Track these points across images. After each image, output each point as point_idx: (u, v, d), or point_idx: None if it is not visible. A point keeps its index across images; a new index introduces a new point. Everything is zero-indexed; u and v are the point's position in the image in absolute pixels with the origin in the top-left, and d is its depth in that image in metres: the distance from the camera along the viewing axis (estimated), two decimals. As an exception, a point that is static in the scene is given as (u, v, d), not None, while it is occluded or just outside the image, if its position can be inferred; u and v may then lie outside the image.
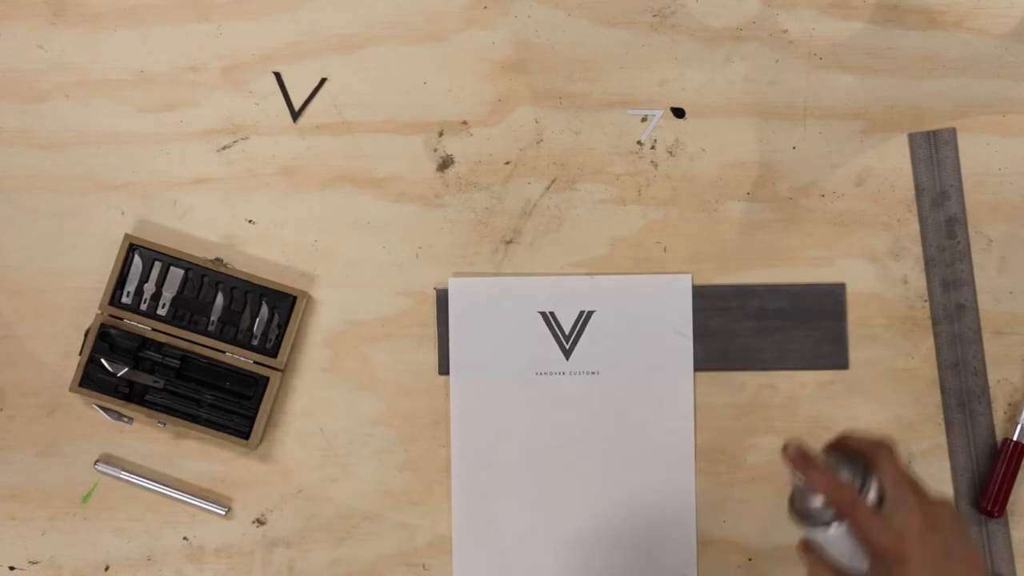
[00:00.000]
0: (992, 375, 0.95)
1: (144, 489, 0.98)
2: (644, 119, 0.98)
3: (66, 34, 1.00)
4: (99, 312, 0.96)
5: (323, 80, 0.99)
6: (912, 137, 0.97)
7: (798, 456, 0.71)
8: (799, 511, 0.73)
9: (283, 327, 0.96)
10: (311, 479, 0.98)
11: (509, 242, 0.98)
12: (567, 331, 0.97)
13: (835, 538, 0.71)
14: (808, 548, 0.74)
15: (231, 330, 0.97)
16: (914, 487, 0.71)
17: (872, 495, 0.70)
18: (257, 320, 0.96)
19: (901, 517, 0.69)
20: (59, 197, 0.99)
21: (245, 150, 0.99)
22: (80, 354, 0.96)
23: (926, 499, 0.71)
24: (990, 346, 0.95)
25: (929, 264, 0.96)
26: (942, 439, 0.95)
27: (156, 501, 0.98)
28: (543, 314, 0.97)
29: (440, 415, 0.97)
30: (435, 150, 0.98)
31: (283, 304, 0.96)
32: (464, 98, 0.98)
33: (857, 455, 0.72)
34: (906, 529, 0.69)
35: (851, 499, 0.70)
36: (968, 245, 0.96)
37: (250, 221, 0.99)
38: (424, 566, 0.96)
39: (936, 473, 0.95)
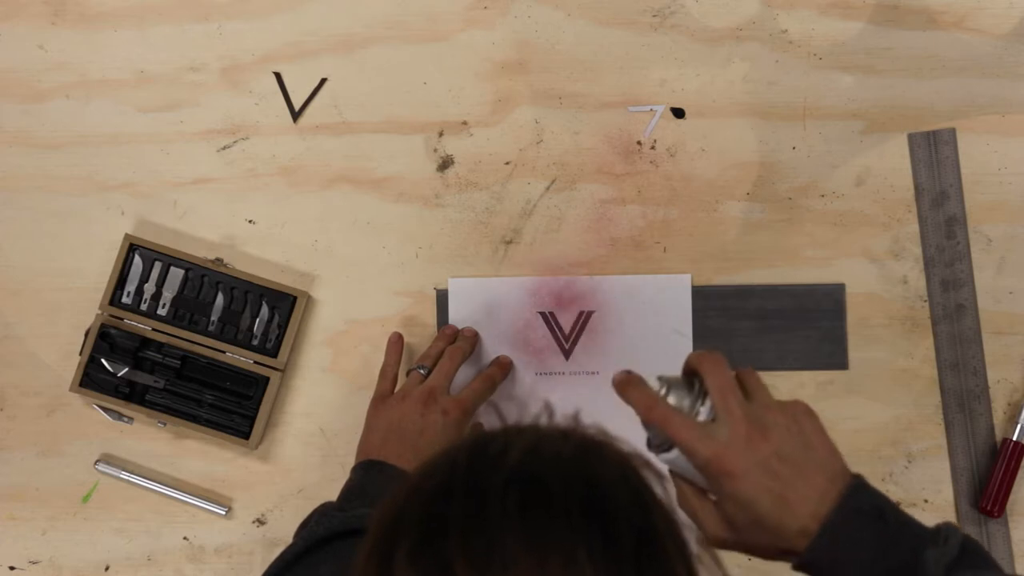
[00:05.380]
0: (992, 375, 0.95)
1: (144, 489, 0.98)
2: (646, 113, 0.97)
3: (66, 34, 1.00)
4: (99, 312, 0.96)
5: (323, 80, 0.99)
6: (912, 137, 0.97)
7: (621, 380, 0.68)
8: (647, 440, 0.70)
9: (283, 327, 0.96)
10: (311, 479, 0.98)
11: (509, 242, 0.98)
12: (567, 331, 0.97)
13: (676, 460, 0.68)
14: (673, 474, 0.70)
15: (231, 330, 0.96)
16: (745, 394, 0.67)
17: (704, 412, 0.67)
18: (257, 320, 0.96)
19: (726, 429, 0.65)
20: (59, 197, 0.99)
21: (245, 150, 0.99)
22: (80, 354, 0.96)
23: (759, 404, 0.67)
24: (990, 346, 0.95)
25: (929, 264, 0.96)
26: (942, 439, 0.95)
27: (156, 501, 0.98)
28: (543, 314, 0.97)
29: (440, 415, 0.97)
30: (435, 150, 0.98)
31: (283, 304, 0.96)
32: (464, 98, 0.98)
33: (695, 376, 0.69)
34: (732, 440, 0.65)
35: (663, 415, 0.66)
36: (968, 245, 0.96)
37: (250, 221, 0.99)
38: (424, 566, 0.96)
39: (936, 473, 0.95)
